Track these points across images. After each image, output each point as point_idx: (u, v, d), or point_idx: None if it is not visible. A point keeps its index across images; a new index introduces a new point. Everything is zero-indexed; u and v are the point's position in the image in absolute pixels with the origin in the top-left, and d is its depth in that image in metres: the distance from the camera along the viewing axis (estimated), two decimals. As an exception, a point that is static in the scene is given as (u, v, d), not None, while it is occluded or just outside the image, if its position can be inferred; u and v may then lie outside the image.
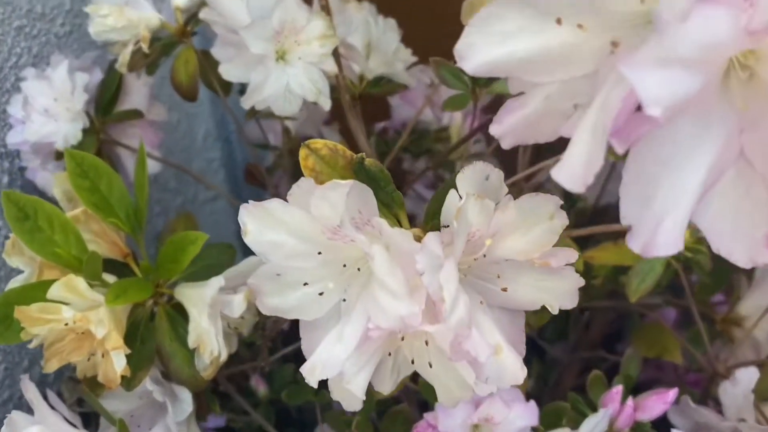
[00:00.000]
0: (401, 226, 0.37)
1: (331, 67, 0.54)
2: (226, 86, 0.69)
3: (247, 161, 0.99)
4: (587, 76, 0.25)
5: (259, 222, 0.36)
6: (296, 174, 0.81)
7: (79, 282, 0.44)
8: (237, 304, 0.48)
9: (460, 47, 0.25)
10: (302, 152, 0.36)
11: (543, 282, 0.37)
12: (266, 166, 0.74)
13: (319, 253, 0.36)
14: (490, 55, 0.25)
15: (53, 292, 0.44)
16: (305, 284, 0.37)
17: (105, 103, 0.70)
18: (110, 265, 0.52)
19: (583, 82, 0.25)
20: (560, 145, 0.27)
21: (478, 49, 0.25)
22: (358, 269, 0.36)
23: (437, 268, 0.32)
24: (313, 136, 0.74)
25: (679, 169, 0.24)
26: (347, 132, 0.59)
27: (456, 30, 0.26)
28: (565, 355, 0.76)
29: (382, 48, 0.63)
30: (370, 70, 0.64)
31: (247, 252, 1.32)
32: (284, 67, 0.54)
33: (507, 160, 0.62)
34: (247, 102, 0.53)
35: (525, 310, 0.38)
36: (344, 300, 0.37)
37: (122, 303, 0.45)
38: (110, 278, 0.51)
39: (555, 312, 0.37)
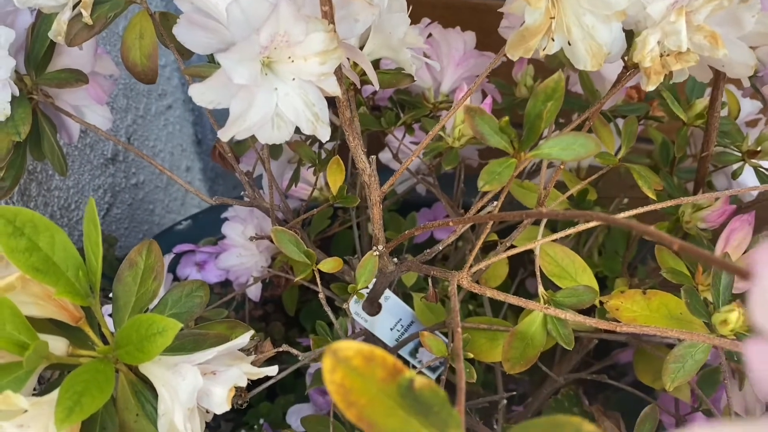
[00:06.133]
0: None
1: (333, 88, 0.43)
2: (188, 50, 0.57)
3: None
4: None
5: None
6: (273, 155, 0.69)
7: (17, 399, 0.36)
8: (218, 401, 0.41)
9: None
10: (327, 362, 0.26)
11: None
12: (235, 141, 0.63)
13: None
14: None
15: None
16: None
17: (38, 57, 0.57)
18: (61, 328, 0.43)
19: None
20: None
21: None
22: None
23: None
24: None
25: None
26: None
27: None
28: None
29: (385, 28, 0.51)
30: (369, 53, 0.52)
31: (205, 159, 1.19)
32: (272, 82, 0.43)
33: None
34: (226, 134, 0.42)
35: None
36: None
37: (77, 420, 0.37)
38: (62, 343, 0.42)
39: None
